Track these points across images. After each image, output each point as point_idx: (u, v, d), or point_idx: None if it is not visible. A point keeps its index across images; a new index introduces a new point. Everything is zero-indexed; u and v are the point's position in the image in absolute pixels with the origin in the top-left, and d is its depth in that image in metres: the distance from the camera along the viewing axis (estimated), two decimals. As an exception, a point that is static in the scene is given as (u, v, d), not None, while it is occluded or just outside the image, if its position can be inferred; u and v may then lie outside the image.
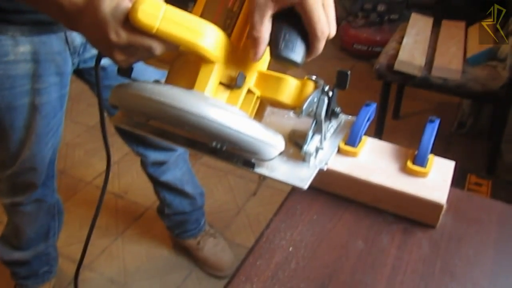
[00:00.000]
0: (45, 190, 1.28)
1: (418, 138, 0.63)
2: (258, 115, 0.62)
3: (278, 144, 0.55)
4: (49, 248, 1.45)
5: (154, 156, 1.37)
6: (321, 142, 0.61)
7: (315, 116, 0.57)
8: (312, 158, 0.60)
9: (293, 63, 0.53)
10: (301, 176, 0.59)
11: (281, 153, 0.57)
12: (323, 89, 0.57)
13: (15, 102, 1.01)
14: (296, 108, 0.57)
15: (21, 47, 0.94)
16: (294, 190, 0.68)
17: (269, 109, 0.67)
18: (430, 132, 0.63)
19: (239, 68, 0.56)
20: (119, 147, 2.20)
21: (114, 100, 0.57)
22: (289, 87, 0.58)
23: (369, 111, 0.67)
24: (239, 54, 0.57)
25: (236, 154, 0.59)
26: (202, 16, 0.56)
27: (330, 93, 0.57)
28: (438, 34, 1.88)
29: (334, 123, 0.67)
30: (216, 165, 2.10)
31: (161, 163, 1.40)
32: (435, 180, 0.62)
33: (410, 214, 0.62)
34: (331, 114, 0.59)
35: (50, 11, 0.56)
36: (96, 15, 0.50)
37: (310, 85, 0.57)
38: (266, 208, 1.87)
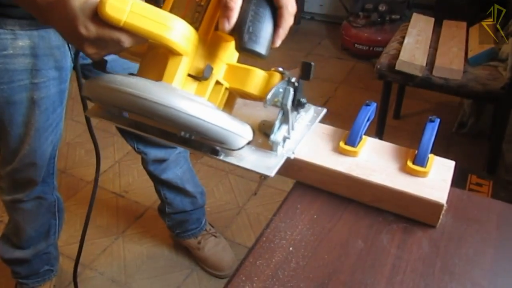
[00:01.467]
0: (45, 187, 1.29)
1: (419, 138, 0.63)
2: (228, 106, 0.64)
3: (245, 134, 0.57)
4: (50, 247, 1.45)
5: (154, 153, 1.38)
6: (288, 131, 0.62)
7: (282, 106, 0.59)
8: (279, 147, 0.62)
9: (258, 55, 0.54)
10: (268, 164, 0.60)
11: (250, 143, 0.59)
12: (289, 80, 0.58)
13: (14, 97, 1.01)
14: (262, 98, 0.59)
15: (19, 41, 0.94)
16: (294, 190, 0.68)
17: (241, 101, 0.69)
18: (430, 131, 0.63)
19: (207, 61, 0.58)
20: (120, 147, 2.21)
21: (86, 92, 0.59)
22: (256, 78, 0.60)
23: (369, 111, 0.67)
24: (207, 46, 0.58)
25: (206, 144, 0.61)
26: (171, 10, 0.58)
27: (296, 84, 0.59)
28: (439, 34, 1.88)
29: (303, 114, 0.68)
30: (217, 165, 2.11)
31: (161, 161, 1.41)
32: (435, 180, 0.62)
33: (410, 214, 0.62)
34: (297, 105, 0.60)
35: (24, 5, 0.58)
36: (66, 9, 0.52)
37: (277, 76, 0.59)
38: (267, 208, 1.87)
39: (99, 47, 0.55)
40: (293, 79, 0.58)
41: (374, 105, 0.68)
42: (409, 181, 0.62)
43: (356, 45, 2.88)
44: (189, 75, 0.57)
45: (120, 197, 1.98)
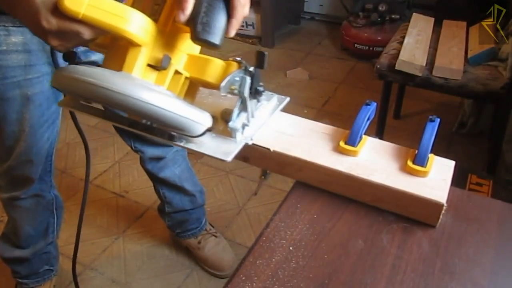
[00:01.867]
0: (43, 185, 1.29)
1: (419, 138, 0.63)
2: (190, 95, 0.66)
3: (204, 121, 0.59)
4: (49, 246, 1.45)
5: (151, 151, 1.39)
6: (248, 119, 0.64)
7: (239, 94, 0.61)
8: (239, 134, 0.64)
9: (211, 45, 0.57)
10: (226, 150, 0.62)
11: (211, 130, 0.62)
12: (246, 69, 0.61)
13: (7, 94, 1.01)
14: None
15: (12, 37, 0.94)
16: (294, 189, 0.68)
17: (208, 91, 0.71)
18: (430, 131, 0.63)
19: (166, 51, 0.60)
20: (120, 147, 2.21)
21: (53, 83, 0.61)
22: (214, 68, 0.62)
23: (369, 110, 0.67)
24: (166, 38, 0.60)
25: (167, 132, 0.63)
26: (133, 4, 0.60)
27: (253, 73, 0.61)
28: (439, 34, 1.88)
29: (266, 102, 0.71)
30: (218, 165, 2.11)
31: (158, 159, 1.41)
32: (435, 179, 0.62)
33: (410, 214, 0.62)
34: (255, 93, 0.63)
35: None
36: (29, 3, 0.55)
37: (234, 66, 0.61)
38: (267, 208, 1.87)
39: (62, 40, 0.58)
40: (251, 68, 0.61)
41: (374, 105, 0.68)
42: (409, 181, 0.62)
43: (356, 45, 2.88)
44: (149, 65, 0.59)
45: (120, 197, 1.98)
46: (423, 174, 0.62)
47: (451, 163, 0.65)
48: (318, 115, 2.41)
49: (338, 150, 0.66)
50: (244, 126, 0.64)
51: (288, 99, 0.72)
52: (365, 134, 0.68)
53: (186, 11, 0.56)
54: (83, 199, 0.93)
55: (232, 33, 0.59)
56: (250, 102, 0.63)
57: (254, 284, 0.55)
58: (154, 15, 0.59)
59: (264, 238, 0.61)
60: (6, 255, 1.42)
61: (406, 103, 2.35)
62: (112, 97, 0.54)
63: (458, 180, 0.64)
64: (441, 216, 0.61)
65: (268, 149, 0.66)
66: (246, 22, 3.22)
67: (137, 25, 0.56)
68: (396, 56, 1.72)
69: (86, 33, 0.56)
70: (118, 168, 2.13)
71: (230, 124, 0.62)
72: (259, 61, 0.60)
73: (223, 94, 0.60)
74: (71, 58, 0.64)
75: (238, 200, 1.93)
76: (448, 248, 0.59)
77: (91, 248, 1.75)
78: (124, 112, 0.59)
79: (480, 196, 0.69)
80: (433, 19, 2.00)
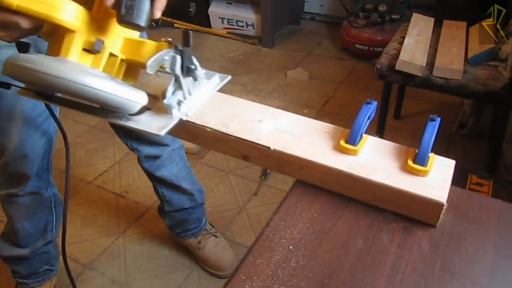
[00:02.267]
0: (40, 182, 1.29)
1: (419, 138, 0.63)
2: (132, 77, 0.71)
3: (138, 99, 0.63)
4: (49, 245, 1.45)
5: (147, 150, 1.40)
6: (184, 96, 0.69)
7: (172, 72, 0.66)
8: (174, 110, 0.68)
9: (136, 26, 0.62)
10: (161, 125, 0.66)
11: (150, 109, 0.67)
12: (176, 48, 0.65)
13: None
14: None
15: None
16: (294, 188, 0.68)
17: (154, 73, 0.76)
18: (431, 130, 0.63)
19: (100, 36, 0.64)
20: (120, 147, 2.21)
21: (3, 71, 0.63)
22: (146, 48, 0.66)
23: (370, 109, 0.67)
24: (100, 23, 0.65)
25: (110, 112, 0.67)
26: None
27: (182, 51, 0.65)
28: (439, 34, 1.88)
29: (206, 81, 0.74)
30: (218, 165, 2.11)
31: (154, 157, 1.42)
32: (436, 179, 0.62)
33: (410, 213, 0.62)
34: (187, 70, 0.67)
35: None
36: None
37: (164, 45, 0.65)
38: (267, 208, 1.87)
39: (5, 30, 0.61)
40: (181, 47, 0.65)
41: (375, 104, 0.68)
42: (409, 180, 0.62)
43: (356, 45, 2.88)
44: (84, 49, 0.64)
45: (120, 197, 1.98)
46: (423, 174, 0.62)
47: (452, 163, 0.65)
48: (318, 115, 2.41)
49: (338, 149, 0.66)
50: (179, 102, 0.68)
51: (229, 77, 0.76)
52: (365, 133, 0.68)
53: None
54: (65, 192, 0.95)
55: (157, 14, 0.63)
56: (185, 80, 0.68)
57: (254, 283, 0.55)
58: (87, 3, 0.63)
59: (264, 237, 0.61)
60: (5, 253, 1.43)
61: (406, 103, 2.35)
62: (50, 81, 0.57)
63: (458, 180, 0.64)
64: (441, 216, 0.61)
65: (269, 147, 0.66)
66: (246, 22, 3.23)
67: (69, 13, 0.60)
68: (396, 56, 1.72)
69: (24, 23, 0.59)
70: (118, 168, 2.13)
71: (165, 101, 0.66)
72: (185, 40, 0.65)
73: (150, 72, 0.63)
74: (22, 48, 0.68)
75: (238, 200, 1.93)
76: (448, 247, 0.59)
77: (91, 248, 1.75)
78: (64, 94, 0.63)
79: (480, 195, 0.69)
80: (433, 19, 2.00)
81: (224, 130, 0.69)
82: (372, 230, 0.62)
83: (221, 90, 0.76)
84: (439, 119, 0.64)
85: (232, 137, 0.69)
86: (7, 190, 1.27)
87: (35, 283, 1.50)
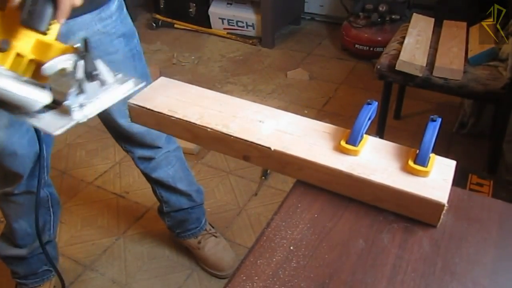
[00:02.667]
0: (35, 181, 1.29)
1: (420, 138, 0.63)
2: (41, 76, 0.71)
3: (40, 98, 0.65)
4: (48, 245, 1.45)
5: (140, 152, 1.41)
6: (88, 99, 0.69)
7: (73, 76, 0.67)
8: (76, 113, 0.68)
9: (36, 30, 0.66)
10: (58, 125, 0.68)
11: (54, 108, 0.68)
12: (80, 53, 0.66)
13: None
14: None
15: None
16: (295, 189, 0.68)
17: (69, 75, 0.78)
18: (432, 131, 0.63)
19: (9, 37, 0.67)
20: (120, 148, 2.21)
21: None
22: (52, 52, 0.68)
23: (371, 110, 0.67)
24: (10, 25, 0.68)
25: (17, 108, 0.68)
26: None
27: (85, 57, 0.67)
28: (440, 34, 1.88)
29: (118, 85, 0.74)
30: (218, 166, 2.11)
31: (148, 159, 1.43)
32: (436, 179, 0.62)
33: (411, 213, 0.62)
34: (90, 75, 0.68)
35: None
36: None
37: (69, 50, 0.67)
38: (267, 208, 1.87)
39: None
40: (82, 53, 0.67)
41: (375, 104, 0.68)
42: (410, 181, 0.62)
43: (356, 45, 2.88)
44: None
45: (120, 197, 1.98)
46: (424, 174, 0.62)
47: (452, 163, 0.65)
48: (319, 116, 2.41)
49: (339, 149, 0.66)
50: (81, 106, 0.69)
51: (143, 83, 0.76)
52: (365, 133, 0.68)
53: (15, 1, 0.65)
54: (37, 191, 0.97)
55: (61, 20, 0.68)
56: (91, 84, 0.69)
57: (255, 283, 0.55)
58: (2, 4, 0.67)
59: (264, 238, 0.61)
60: (3, 253, 1.43)
61: (406, 103, 2.35)
62: None
63: (459, 180, 0.64)
64: (442, 216, 0.61)
65: (269, 148, 0.66)
66: (246, 23, 3.23)
67: None
68: (396, 56, 1.72)
69: None
70: (118, 168, 2.13)
71: (65, 103, 0.67)
72: (85, 46, 0.67)
73: (46, 74, 0.65)
74: None
75: (239, 200, 1.93)
76: (449, 248, 0.59)
77: (92, 249, 1.75)
78: None
79: (481, 196, 0.69)
80: (433, 19, 2.00)
81: (224, 130, 0.69)
82: (372, 230, 0.62)
83: (221, 91, 0.76)
84: (439, 119, 0.64)
85: (232, 137, 0.69)
86: (2, 189, 1.27)
87: (34, 283, 1.50)
